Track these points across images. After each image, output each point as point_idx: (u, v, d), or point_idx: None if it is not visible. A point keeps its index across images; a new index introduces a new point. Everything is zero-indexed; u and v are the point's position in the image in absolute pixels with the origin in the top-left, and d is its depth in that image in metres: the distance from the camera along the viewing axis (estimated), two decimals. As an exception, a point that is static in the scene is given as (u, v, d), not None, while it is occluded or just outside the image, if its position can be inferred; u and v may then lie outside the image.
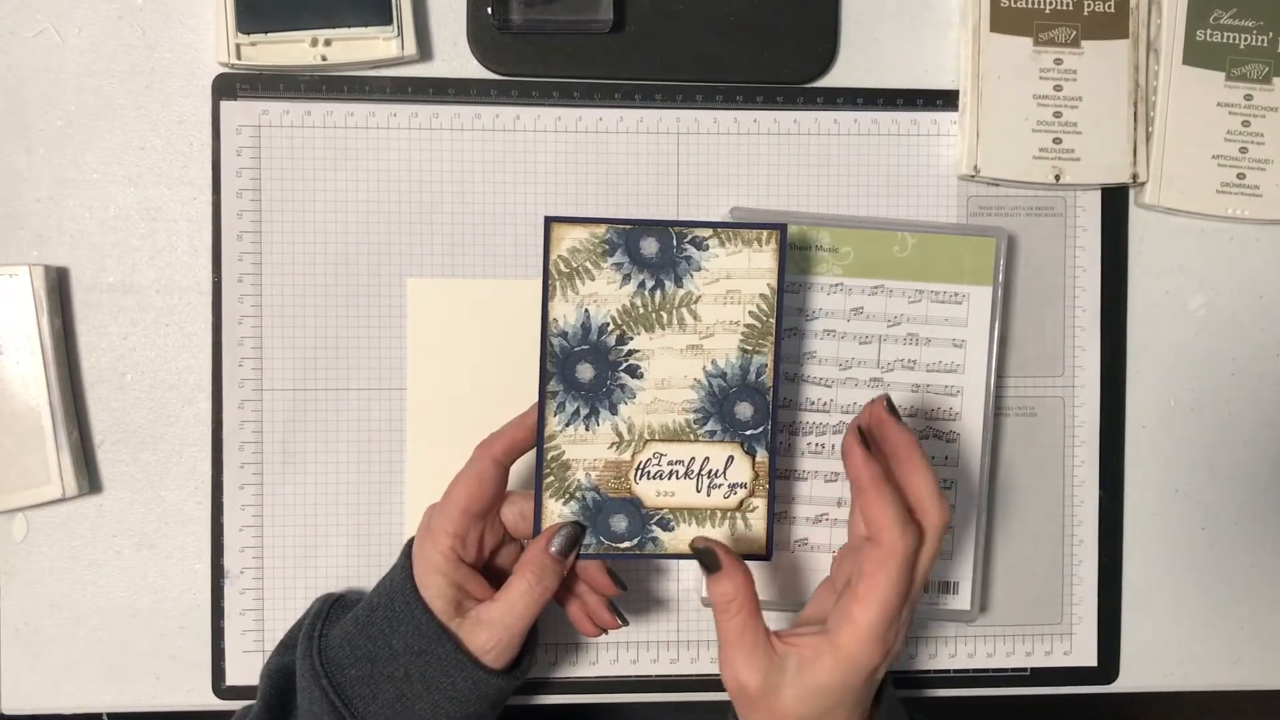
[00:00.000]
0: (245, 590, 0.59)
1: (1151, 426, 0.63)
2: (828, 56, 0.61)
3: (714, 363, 0.52)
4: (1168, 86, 0.61)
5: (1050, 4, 0.60)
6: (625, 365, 0.51)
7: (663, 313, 0.51)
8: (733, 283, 0.52)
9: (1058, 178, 0.60)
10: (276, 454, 0.60)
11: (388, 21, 0.57)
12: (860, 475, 0.48)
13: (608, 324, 0.51)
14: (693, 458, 0.52)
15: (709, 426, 0.52)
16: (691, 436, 0.52)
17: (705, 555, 0.49)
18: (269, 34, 0.57)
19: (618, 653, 0.61)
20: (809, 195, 0.61)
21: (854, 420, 0.51)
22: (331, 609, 0.55)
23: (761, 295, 0.52)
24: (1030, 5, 0.60)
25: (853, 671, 0.47)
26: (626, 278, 0.51)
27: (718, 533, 0.52)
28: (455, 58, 0.60)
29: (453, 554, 0.51)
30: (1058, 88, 0.60)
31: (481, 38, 0.59)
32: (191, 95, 0.59)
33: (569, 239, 0.51)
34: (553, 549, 0.51)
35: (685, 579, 0.61)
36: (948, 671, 0.62)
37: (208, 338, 0.59)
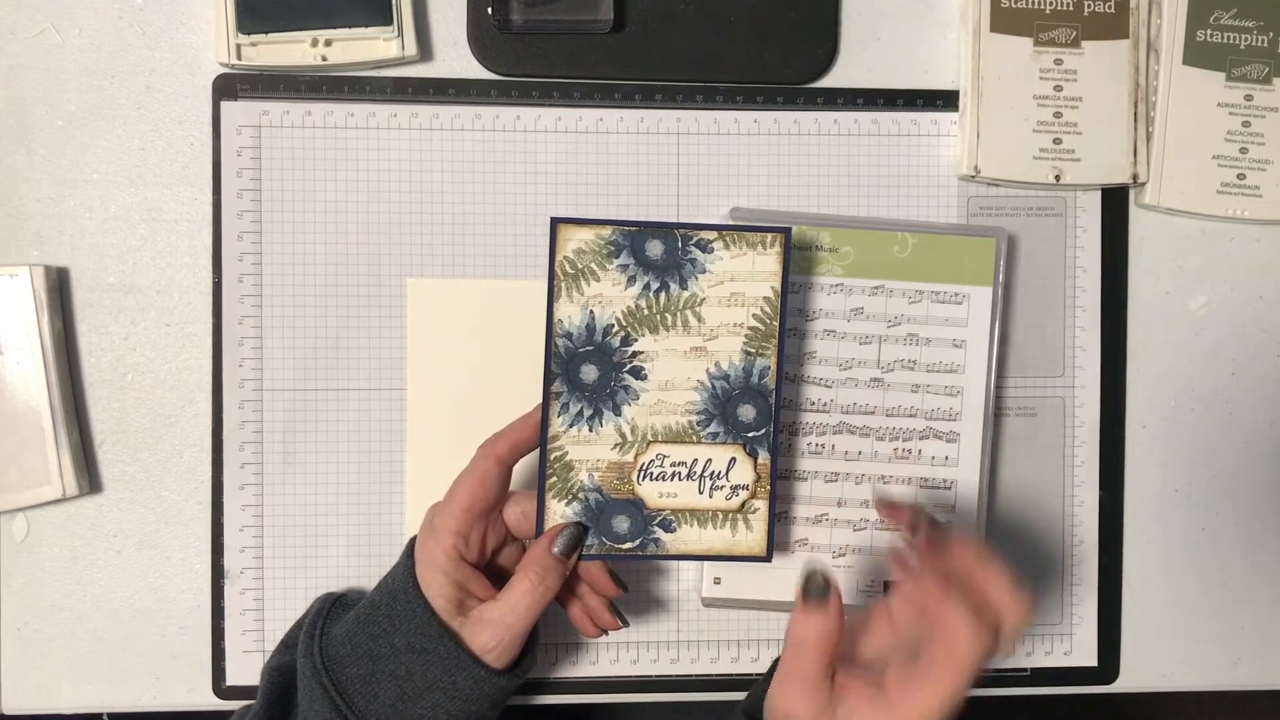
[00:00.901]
0: (245, 590, 0.59)
1: (1152, 426, 0.64)
2: (828, 57, 0.61)
3: (717, 365, 0.52)
4: (1168, 87, 0.61)
5: (1051, 4, 0.60)
6: (629, 367, 0.51)
7: (667, 315, 0.52)
8: (737, 285, 0.52)
9: (1058, 178, 0.60)
10: (277, 454, 0.59)
11: (388, 22, 0.57)
12: (916, 595, 0.46)
13: (612, 325, 0.51)
14: (695, 459, 0.52)
15: (712, 428, 0.52)
16: (694, 438, 0.52)
17: (814, 585, 0.46)
18: (269, 34, 0.57)
19: (618, 653, 0.61)
20: (809, 195, 0.61)
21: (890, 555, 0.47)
22: (333, 607, 0.55)
23: (765, 298, 0.52)
24: (1031, 5, 0.60)
25: None
26: (631, 279, 0.51)
27: (719, 535, 0.52)
28: (455, 58, 0.60)
29: (455, 552, 0.51)
30: (1058, 88, 0.60)
31: (482, 38, 0.59)
32: (192, 95, 0.59)
33: (575, 240, 0.51)
34: (555, 549, 0.51)
35: (686, 579, 0.61)
36: (948, 671, 0.62)
37: (208, 338, 0.59)
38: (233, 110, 0.59)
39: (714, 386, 0.52)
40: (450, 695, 0.50)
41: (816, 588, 0.46)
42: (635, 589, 0.61)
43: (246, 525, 0.59)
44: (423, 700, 0.50)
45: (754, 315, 0.52)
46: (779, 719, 0.48)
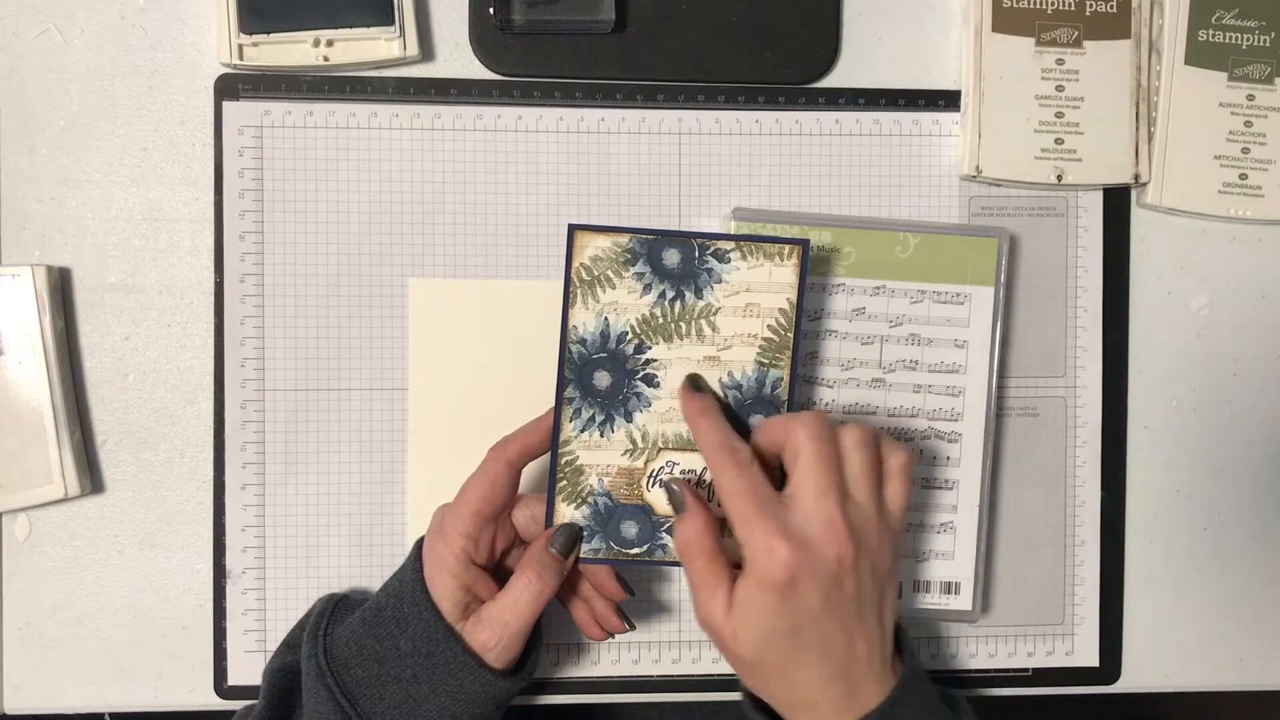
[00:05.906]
0: (247, 590, 0.59)
1: (1153, 427, 0.63)
2: (829, 57, 0.61)
3: (730, 374, 0.52)
4: (1170, 87, 0.61)
5: (1052, 4, 0.60)
6: (642, 374, 0.51)
7: (681, 323, 0.51)
8: (752, 296, 0.52)
9: (1060, 178, 0.60)
10: (278, 454, 0.60)
11: (390, 22, 0.57)
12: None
13: (626, 333, 0.51)
14: (705, 468, 0.52)
15: None
16: None
17: (673, 496, 0.50)
18: (271, 34, 0.57)
19: (619, 653, 0.61)
20: (811, 196, 0.61)
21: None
22: (335, 608, 0.55)
23: (780, 309, 0.52)
24: (1032, 5, 0.60)
25: (766, 593, 0.46)
26: (647, 287, 0.51)
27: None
28: (457, 58, 0.60)
29: (464, 555, 0.51)
30: (1060, 88, 0.60)
31: (483, 38, 0.60)
32: (194, 95, 0.59)
33: (592, 247, 0.51)
34: (553, 547, 0.51)
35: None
36: (949, 672, 0.62)
37: (210, 338, 0.59)
38: (234, 110, 0.59)
39: (726, 396, 0.52)
40: (456, 698, 0.50)
41: (675, 497, 0.50)
42: (638, 589, 0.60)
43: (248, 525, 0.59)
44: (429, 703, 0.50)
45: (769, 326, 0.52)
46: (712, 636, 0.49)
